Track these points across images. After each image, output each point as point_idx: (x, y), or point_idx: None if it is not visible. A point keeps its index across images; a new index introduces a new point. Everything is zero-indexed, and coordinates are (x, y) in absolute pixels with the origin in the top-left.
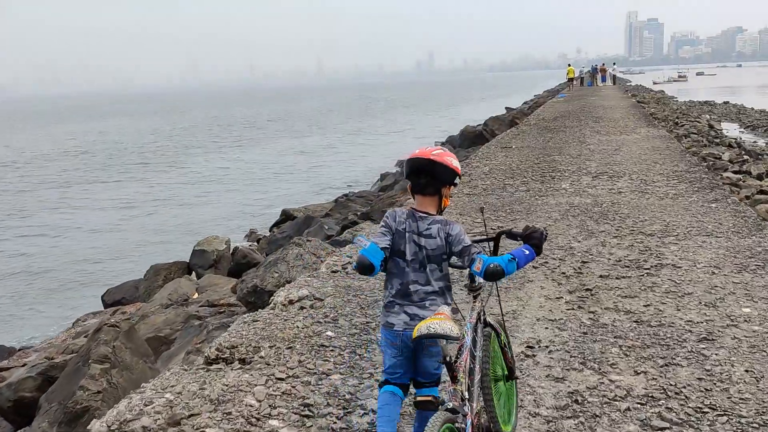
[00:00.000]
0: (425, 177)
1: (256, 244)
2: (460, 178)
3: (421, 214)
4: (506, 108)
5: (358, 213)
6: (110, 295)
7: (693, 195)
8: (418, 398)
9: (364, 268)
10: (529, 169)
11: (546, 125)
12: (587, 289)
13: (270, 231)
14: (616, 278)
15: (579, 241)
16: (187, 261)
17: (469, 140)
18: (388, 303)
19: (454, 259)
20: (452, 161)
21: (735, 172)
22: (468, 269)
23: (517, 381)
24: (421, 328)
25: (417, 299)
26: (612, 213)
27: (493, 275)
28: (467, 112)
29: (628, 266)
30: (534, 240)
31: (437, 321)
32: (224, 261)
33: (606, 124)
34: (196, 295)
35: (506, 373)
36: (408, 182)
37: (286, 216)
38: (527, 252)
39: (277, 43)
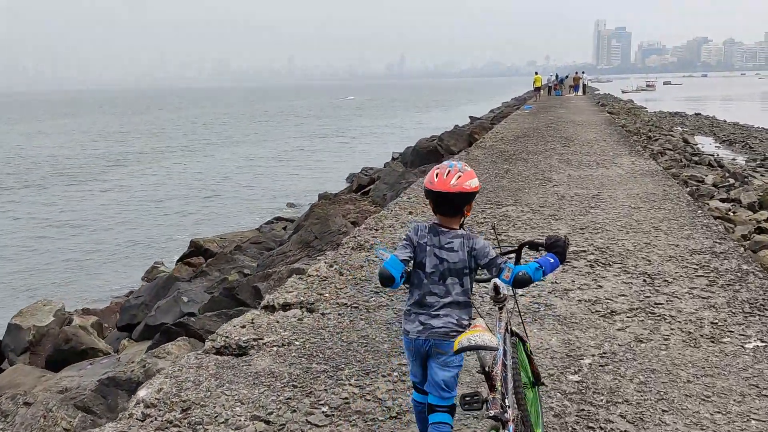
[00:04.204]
0: (446, 205)
1: (93, 317)
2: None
3: (443, 228)
4: (470, 117)
5: (244, 272)
6: None
7: (748, 329)
8: None
9: (386, 280)
10: None
11: (503, 149)
12: None
13: (176, 264)
14: None
15: None
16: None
17: (422, 156)
18: (407, 311)
19: (481, 274)
20: (471, 184)
21: (723, 200)
22: (491, 282)
23: (540, 387)
24: (462, 341)
25: (431, 309)
26: (604, 412)
27: (522, 283)
28: (433, 119)
29: None
30: (557, 248)
31: (477, 333)
32: (48, 341)
33: (578, 149)
34: None
35: (532, 379)
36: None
37: (195, 248)
38: (552, 260)
39: (249, 43)
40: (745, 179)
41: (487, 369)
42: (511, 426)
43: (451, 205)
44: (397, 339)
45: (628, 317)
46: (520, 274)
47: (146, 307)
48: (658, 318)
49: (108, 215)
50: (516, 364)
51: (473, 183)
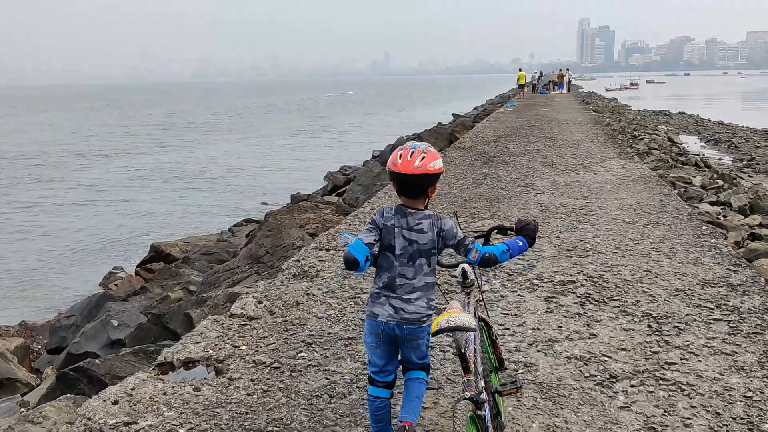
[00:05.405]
0: (410, 186)
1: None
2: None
3: (409, 209)
4: (453, 114)
5: (190, 288)
6: None
7: None
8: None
9: (350, 264)
10: None
11: (483, 150)
12: None
13: (136, 271)
14: None
15: None
16: None
17: None
18: (375, 294)
19: (447, 260)
20: (434, 165)
21: (712, 203)
22: (459, 267)
23: (501, 372)
24: (440, 323)
25: (403, 293)
26: None
27: (488, 263)
28: (418, 115)
29: None
30: (527, 232)
31: (455, 315)
32: None
33: (563, 151)
34: None
35: (496, 365)
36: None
37: (156, 253)
38: (521, 243)
39: (233, 39)
40: (734, 180)
41: (462, 351)
42: (487, 407)
43: (415, 187)
44: (320, 424)
45: (632, 386)
46: (487, 254)
47: (77, 328)
48: (673, 387)
49: (71, 214)
50: (484, 349)
51: (437, 164)
